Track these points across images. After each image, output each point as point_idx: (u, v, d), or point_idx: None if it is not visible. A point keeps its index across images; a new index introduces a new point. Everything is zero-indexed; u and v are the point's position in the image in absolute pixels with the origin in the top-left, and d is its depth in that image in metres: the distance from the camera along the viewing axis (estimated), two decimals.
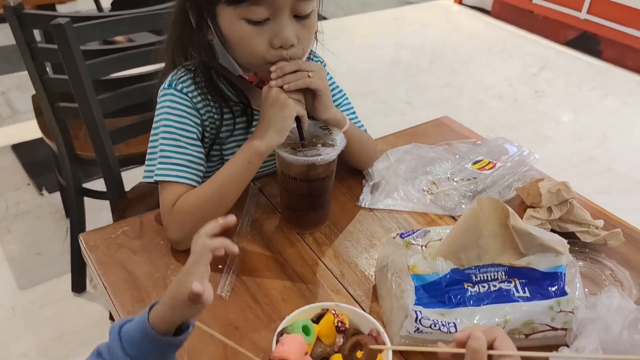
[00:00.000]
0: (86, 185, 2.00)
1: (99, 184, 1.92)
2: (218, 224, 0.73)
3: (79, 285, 2.18)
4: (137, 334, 0.69)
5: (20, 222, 2.54)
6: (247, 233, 1.13)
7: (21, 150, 2.97)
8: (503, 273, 0.90)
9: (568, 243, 0.92)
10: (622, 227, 1.15)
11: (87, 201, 2.01)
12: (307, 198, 1.09)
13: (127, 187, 1.75)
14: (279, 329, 0.81)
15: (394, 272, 0.93)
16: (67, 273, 2.20)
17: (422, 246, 0.92)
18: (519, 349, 0.91)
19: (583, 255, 1.08)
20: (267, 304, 0.98)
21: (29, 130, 2.95)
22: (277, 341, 0.79)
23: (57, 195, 2.61)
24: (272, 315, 0.95)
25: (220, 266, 1.04)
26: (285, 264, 1.07)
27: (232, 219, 0.73)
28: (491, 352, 0.60)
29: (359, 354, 0.69)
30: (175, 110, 1.10)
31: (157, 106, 1.13)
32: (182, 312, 0.69)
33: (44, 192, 2.68)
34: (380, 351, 0.71)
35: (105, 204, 1.78)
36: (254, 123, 1.17)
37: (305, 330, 0.80)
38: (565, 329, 0.88)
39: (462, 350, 0.61)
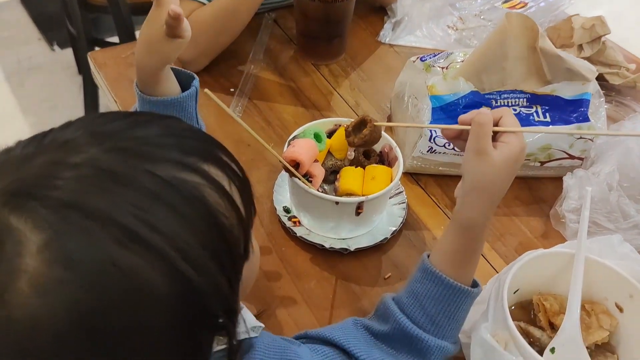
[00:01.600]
0: None
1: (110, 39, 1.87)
2: None
3: None
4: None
5: (33, 76, 2.52)
6: (261, 61, 1.09)
7: (30, 3, 2.87)
8: (525, 100, 0.87)
9: None
10: None
11: None
12: (325, 24, 1.04)
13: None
14: (291, 136, 0.79)
15: (411, 94, 0.90)
16: None
17: (443, 68, 0.88)
18: (533, 177, 0.90)
19: (609, 97, 1.03)
20: (279, 125, 0.97)
21: None
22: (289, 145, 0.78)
23: (69, 52, 2.56)
24: (283, 135, 0.94)
25: (232, 89, 1.02)
26: (299, 92, 1.04)
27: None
28: (496, 128, 0.56)
29: (364, 130, 0.66)
30: None
31: None
32: (160, 52, 0.65)
33: (55, 47, 2.63)
34: (379, 135, 0.68)
35: None
36: None
37: (317, 137, 0.78)
38: (582, 158, 0.86)
39: (467, 127, 0.58)
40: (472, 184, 0.57)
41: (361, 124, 0.68)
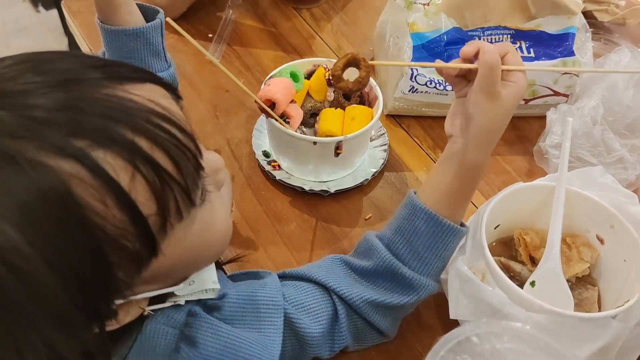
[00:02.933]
0: None
1: None
2: None
3: None
4: None
5: (19, 38, 2.47)
6: (240, 6, 1.05)
7: None
8: (509, 36, 0.84)
9: None
10: None
11: None
12: None
13: None
14: (267, 77, 0.77)
15: (392, 33, 0.88)
16: None
17: (424, 4, 0.85)
18: (517, 116, 0.88)
19: (598, 36, 1.00)
20: (259, 71, 0.95)
21: None
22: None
23: (54, 13, 2.50)
24: (263, 80, 0.92)
25: (210, 35, 0.99)
26: (280, 37, 1.01)
27: None
28: (505, 67, 0.53)
29: (361, 73, 0.59)
30: None
31: None
32: None
33: (40, 8, 2.57)
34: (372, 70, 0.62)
35: None
36: None
37: (294, 77, 0.76)
38: (567, 95, 0.84)
39: (473, 66, 0.55)
40: (482, 127, 0.55)
41: (350, 64, 0.60)
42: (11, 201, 0.31)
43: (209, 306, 0.50)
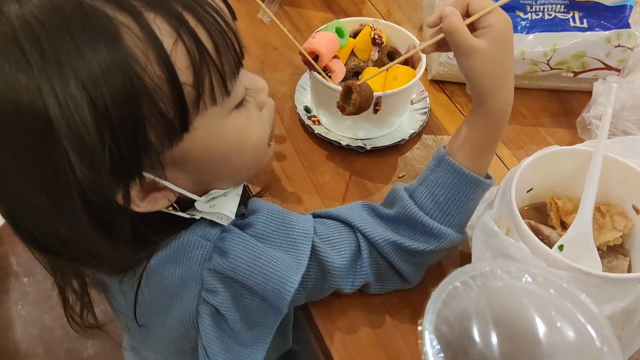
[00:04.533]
0: None
1: None
2: None
3: None
4: None
5: None
6: None
7: None
8: (563, 6, 0.83)
9: None
10: None
11: None
12: None
13: None
14: (314, 32, 0.79)
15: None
16: None
17: None
18: (565, 89, 0.87)
19: None
20: (307, 32, 0.96)
21: None
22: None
23: None
24: None
25: None
26: (331, 0, 1.02)
27: None
28: (469, 20, 0.53)
29: (353, 95, 0.65)
30: None
31: None
32: None
33: None
34: (371, 94, 0.67)
35: None
36: None
37: (339, 32, 0.78)
38: (619, 70, 0.82)
39: (439, 37, 0.55)
40: (478, 82, 0.55)
41: (347, 92, 0.67)
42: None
43: (242, 225, 0.53)
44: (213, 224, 0.52)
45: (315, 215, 0.62)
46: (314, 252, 0.55)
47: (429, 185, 0.59)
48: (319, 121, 0.82)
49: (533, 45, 0.81)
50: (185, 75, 0.41)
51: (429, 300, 0.42)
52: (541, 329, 0.41)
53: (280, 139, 0.80)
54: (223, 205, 0.53)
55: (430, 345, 0.39)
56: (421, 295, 0.64)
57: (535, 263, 0.53)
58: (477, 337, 0.39)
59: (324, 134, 0.80)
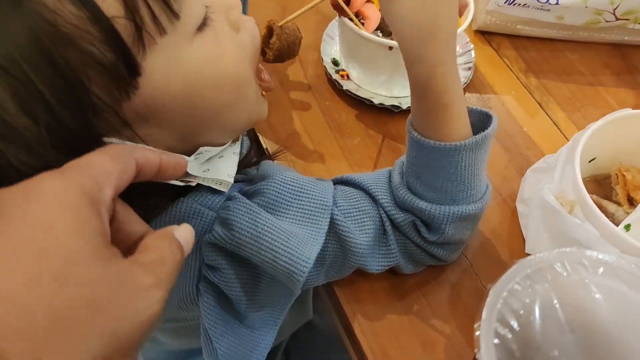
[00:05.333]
0: None
1: None
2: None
3: None
4: None
5: None
6: None
7: None
8: None
9: None
10: None
11: None
12: None
13: None
14: None
15: None
16: None
17: None
18: (630, 44, 0.76)
19: None
20: None
21: None
22: None
23: None
24: None
25: None
26: None
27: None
28: None
29: (272, 39, 0.52)
30: None
31: None
32: None
33: None
34: (296, 38, 0.54)
35: None
36: None
37: None
38: None
39: None
40: (402, 31, 0.43)
41: (269, 34, 0.53)
42: None
43: (250, 192, 0.45)
44: (215, 190, 0.44)
45: (337, 181, 0.54)
46: (333, 226, 0.47)
47: (411, 166, 0.50)
48: (348, 76, 0.73)
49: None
50: (111, 6, 0.33)
51: (486, 299, 0.34)
52: (628, 335, 0.33)
53: (303, 86, 0.72)
54: (219, 169, 0.45)
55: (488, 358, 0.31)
56: (460, 273, 0.56)
57: (607, 252, 0.44)
58: (548, 349, 0.32)
59: (353, 91, 0.71)
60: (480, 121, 0.50)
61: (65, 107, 0.32)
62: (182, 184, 0.41)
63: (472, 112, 0.49)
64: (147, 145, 0.39)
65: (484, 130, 0.47)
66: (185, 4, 0.37)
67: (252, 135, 0.66)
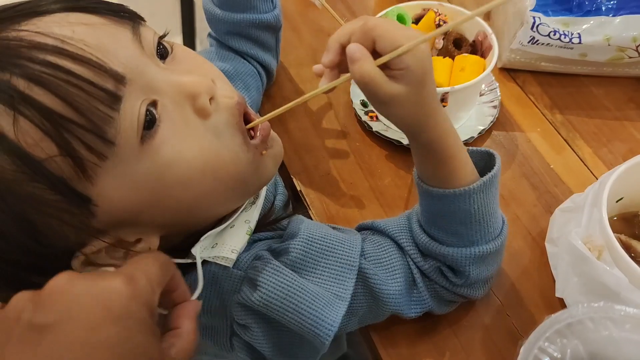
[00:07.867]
0: None
1: None
2: None
3: (189, 45, 2.22)
4: None
5: None
6: None
7: None
8: None
9: None
10: None
11: None
12: None
13: None
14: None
15: None
16: (179, 34, 2.23)
17: None
18: None
19: None
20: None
21: None
22: None
23: None
24: None
25: None
26: None
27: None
28: (381, 60, 0.41)
29: None
30: None
31: None
32: None
33: None
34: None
35: None
36: None
37: (400, 19, 0.71)
38: None
39: (346, 78, 0.43)
40: (404, 126, 0.47)
41: None
42: None
43: (278, 250, 0.48)
44: (244, 250, 0.46)
45: (363, 227, 0.56)
46: (364, 279, 0.50)
47: (425, 214, 0.52)
48: (377, 117, 0.75)
49: (620, 30, 0.71)
50: (45, 148, 0.34)
51: (518, 356, 0.36)
52: None
53: (337, 133, 0.74)
54: (225, 242, 0.45)
55: None
56: (493, 314, 0.58)
57: (635, 298, 0.46)
58: None
59: (382, 132, 0.73)
60: (483, 160, 0.53)
61: (26, 256, 0.36)
62: (188, 261, 0.44)
63: (473, 153, 0.52)
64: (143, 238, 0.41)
65: (487, 169, 0.50)
66: (119, 122, 0.36)
67: (289, 183, 0.69)
